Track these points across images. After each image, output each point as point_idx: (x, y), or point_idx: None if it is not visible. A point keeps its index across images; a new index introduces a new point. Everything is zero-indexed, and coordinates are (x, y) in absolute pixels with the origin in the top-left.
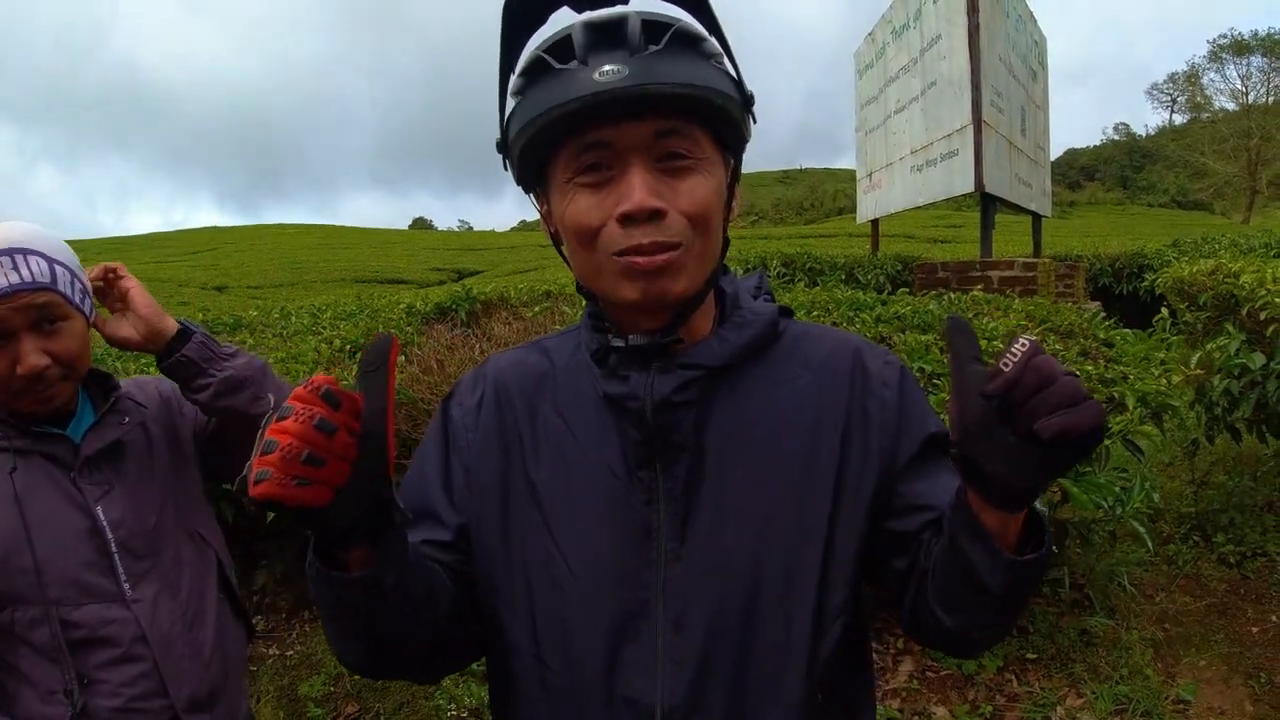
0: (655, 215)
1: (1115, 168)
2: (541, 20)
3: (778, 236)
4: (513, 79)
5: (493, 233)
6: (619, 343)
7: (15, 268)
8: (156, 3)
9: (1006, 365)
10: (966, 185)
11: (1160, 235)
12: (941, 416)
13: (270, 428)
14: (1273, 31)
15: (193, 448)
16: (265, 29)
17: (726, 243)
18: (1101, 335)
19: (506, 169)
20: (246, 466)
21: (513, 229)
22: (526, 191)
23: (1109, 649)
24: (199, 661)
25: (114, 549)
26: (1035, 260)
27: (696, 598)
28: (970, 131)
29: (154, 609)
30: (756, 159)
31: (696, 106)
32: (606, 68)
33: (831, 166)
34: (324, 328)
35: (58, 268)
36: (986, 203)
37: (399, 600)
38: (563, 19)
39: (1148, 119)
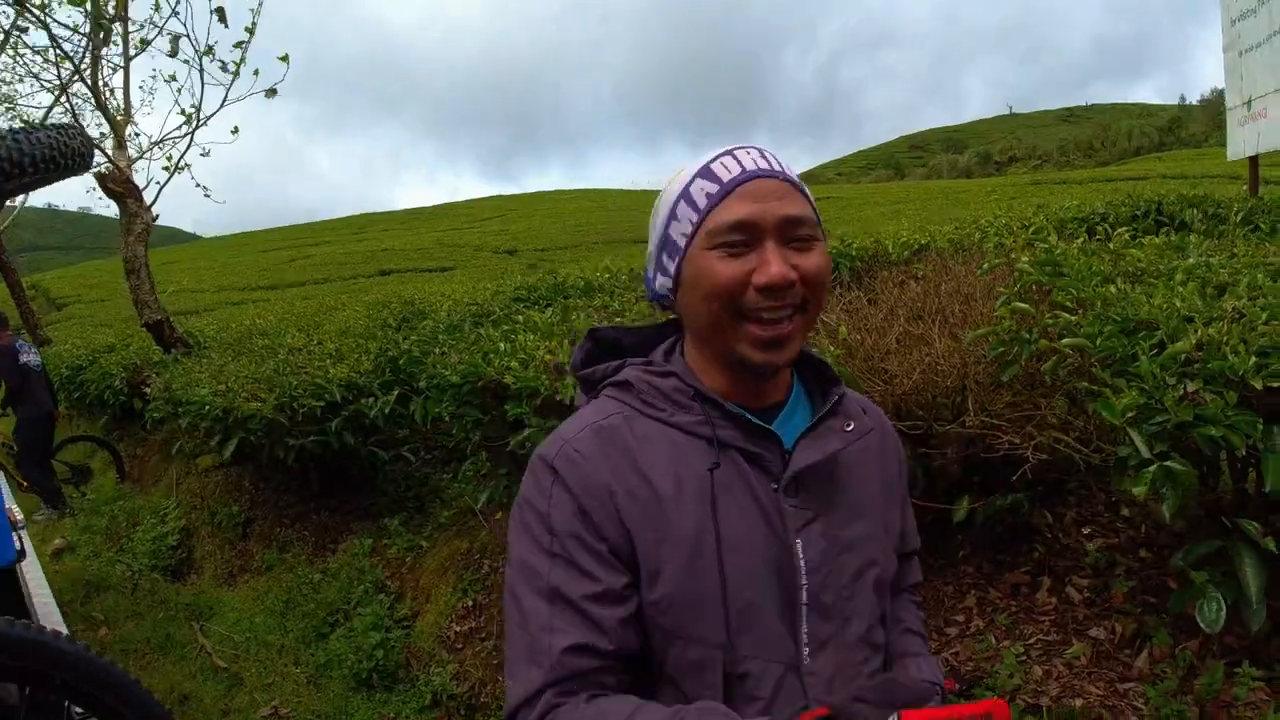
0: None
1: None
2: None
3: (1078, 181)
4: None
5: None
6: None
7: (764, 158)
8: None
9: None
10: None
11: None
12: None
13: None
14: None
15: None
16: None
17: None
18: None
19: None
20: None
21: None
22: None
23: None
24: None
25: (805, 599)
26: None
27: None
28: None
29: (825, 693)
30: (1033, 96)
31: None
32: None
33: (1124, 100)
34: None
35: (804, 188)
36: None
37: None
38: None
39: None
